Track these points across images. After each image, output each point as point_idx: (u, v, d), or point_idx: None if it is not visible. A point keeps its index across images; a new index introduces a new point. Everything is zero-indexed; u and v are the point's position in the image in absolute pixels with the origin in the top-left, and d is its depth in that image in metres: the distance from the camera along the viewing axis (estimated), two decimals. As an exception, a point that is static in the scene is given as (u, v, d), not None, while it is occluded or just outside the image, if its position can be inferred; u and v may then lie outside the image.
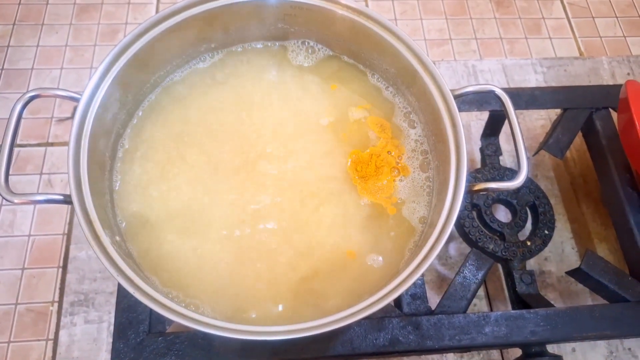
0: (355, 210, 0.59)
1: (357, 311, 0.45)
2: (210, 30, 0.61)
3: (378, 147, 0.62)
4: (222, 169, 0.60)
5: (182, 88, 0.63)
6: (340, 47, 0.67)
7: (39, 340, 0.79)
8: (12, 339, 0.79)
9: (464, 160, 0.52)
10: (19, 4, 1.03)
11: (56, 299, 0.81)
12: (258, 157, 0.60)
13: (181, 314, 0.44)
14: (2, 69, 0.98)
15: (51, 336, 0.79)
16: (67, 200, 0.48)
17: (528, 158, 0.52)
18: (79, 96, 0.52)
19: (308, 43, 0.68)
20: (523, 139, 0.53)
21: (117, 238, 0.51)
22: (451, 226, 0.48)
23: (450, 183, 0.52)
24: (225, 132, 0.62)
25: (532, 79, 1.02)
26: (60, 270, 0.83)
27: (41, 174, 0.89)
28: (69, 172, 0.48)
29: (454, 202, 0.50)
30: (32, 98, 0.51)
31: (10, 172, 0.90)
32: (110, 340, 0.74)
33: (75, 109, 0.51)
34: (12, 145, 0.50)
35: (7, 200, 0.48)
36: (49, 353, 0.78)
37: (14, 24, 1.02)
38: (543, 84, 1.02)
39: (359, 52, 0.66)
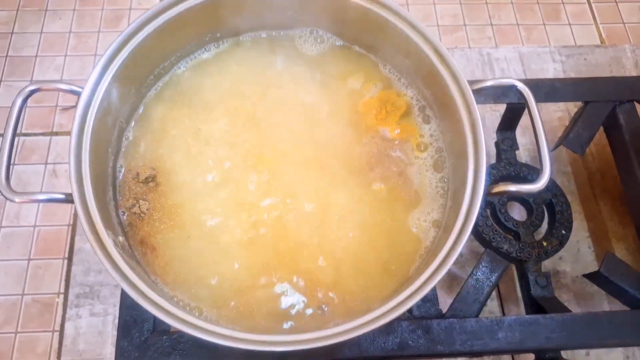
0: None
1: (367, 322, 0.43)
2: (215, 19, 0.59)
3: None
4: (233, 162, 0.57)
5: (186, 79, 0.61)
6: (350, 37, 0.64)
7: (45, 331, 0.79)
8: (19, 329, 0.79)
9: (483, 160, 0.50)
10: (22, -12, 1.01)
11: (62, 290, 0.81)
12: (266, 148, 0.58)
13: (185, 321, 0.43)
14: (7, 56, 0.96)
15: (57, 327, 0.79)
16: (68, 199, 0.47)
17: (552, 159, 0.49)
18: (80, 89, 0.50)
19: (317, 32, 0.65)
20: (547, 138, 0.51)
21: (120, 238, 0.49)
22: (468, 232, 0.46)
23: (468, 184, 0.49)
24: (233, 123, 0.59)
25: (550, 68, 0.98)
26: (66, 261, 0.83)
27: (46, 163, 0.88)
28: (71, 171, 0.47)
29: (471, 205, 0.48)
30: (32, 92, 0.49)
31: (16, 162, 0.90)
32: (116, 333, 0.74)
33: (77, 102, 0.49)
34: (13, 140, 0.48)
35: (8, 199, 0.46)
36: (55, 344, 0.78)
37: (17, 10, 0.99)
38: (561, 74, 0.97)
39: (370, 41, 0.63)
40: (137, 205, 0.54)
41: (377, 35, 0.61)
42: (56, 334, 0.78)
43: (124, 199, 0.54)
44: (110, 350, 0.76)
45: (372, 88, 0.62)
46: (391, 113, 0.60)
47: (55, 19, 0.99)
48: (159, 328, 0.59)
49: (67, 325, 0.78)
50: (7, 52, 0.95)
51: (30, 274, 0.82)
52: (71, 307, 0.79)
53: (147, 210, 0.54)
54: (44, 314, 0.80)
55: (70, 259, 0.82)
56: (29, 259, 0.82)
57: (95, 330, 0.78)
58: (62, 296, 0.80)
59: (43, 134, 0.90)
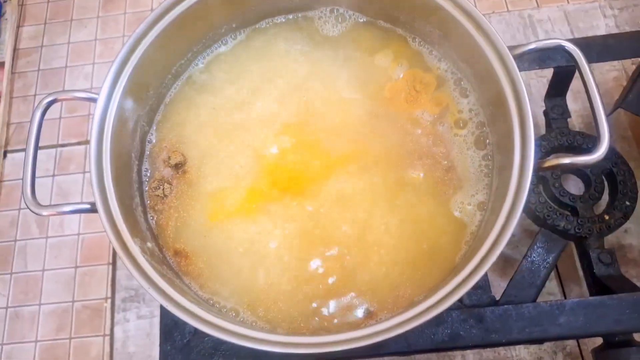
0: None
1: (412, 317, 0.40)
2: (229, 9, 0.56)
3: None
4: (262, 158, 0.55)
5: (205, 75, 0.59)
6: (373, 12, 0.59)
7: (97, 336, 0.81)
8: (72, 335, 0.81)
9: (531, 132, 0.45)
10: (48, 2, 1.02)
11: (109, 295, 0.82)
12: (300, 139, 0.55)
13: (216, 326, 0.41)
14: (39, 69, 0.98)
15: (107, 332, 0.80)
16: (94, 208, 0.46)
17: (610, 125, 0.43)
18: (96, 96, 0.49)
19: (337, 10, 0.61)
20: (603, 103, 0.45)
21: (149, 244, 0.48)
22: (519, 214, 0.41)
23: (515, 160, 0.44)
24: (258, 117, 0.57)
25: (602, 25, 0.89)
26: (110, 267, 0.84)
27: (84, 172, 0.90)
28: (92, 179, 0.46)
29: (520, 183, 0.43)
30: (50, 104, 0.48)
31: (55, 173, 0.91)
32: (163, 335, 0.74)
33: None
34: (36, 154, 0.48)
35: (35, 213, 0.46)
36: (107, 348, 0.80)
37: (45, 23, 1.01)
38: (615, 30, 0.88)
39: (396, 15, 0.58)
40: (162, 188, 0.53)
41: (402, 6, 0.56)
42: (107, 338, 0.80)
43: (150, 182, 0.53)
44: (159, 351, 0.77)
45: (397, 68, 0.57)
46: (422, 92, 0.56)
47: (81, 28, 1.00)
48: (200, 330, 0.58)
49: (116, 329, 0.79)
50: (39, 66, 0.97)
51: (78, 281, 0.83)
52: (118, 311, 0.80)
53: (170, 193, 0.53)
54: (94, 319, 0.81)
55: (114, 264, 0.84)
56: (76, 267, 0.84)
57: (144, 332, 0.79)
58: (109, 301, 0.81)
59: (79, 143, 0.92)
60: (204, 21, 0.55)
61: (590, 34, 0.88)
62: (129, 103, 0.50)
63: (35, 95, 0.95)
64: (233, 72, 0.59)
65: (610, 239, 0.74)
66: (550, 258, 0.59)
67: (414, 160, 0.54)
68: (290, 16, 0.60)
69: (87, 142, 0.91)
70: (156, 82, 0.55)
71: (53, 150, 0.91)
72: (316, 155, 0.55)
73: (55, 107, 0.89)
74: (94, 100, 0.49)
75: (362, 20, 0.60)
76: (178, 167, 0.55)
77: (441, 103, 0.56)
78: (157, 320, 0.78)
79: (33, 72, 0.97)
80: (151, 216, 0.53)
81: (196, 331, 0.58)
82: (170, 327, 0.59)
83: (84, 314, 0.82)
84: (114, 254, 0.84)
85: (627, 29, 0.88)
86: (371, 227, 0.52)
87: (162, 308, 0.60)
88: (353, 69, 0.59)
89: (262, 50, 0.60)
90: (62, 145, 0.91)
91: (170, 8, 0.50)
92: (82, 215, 0.87)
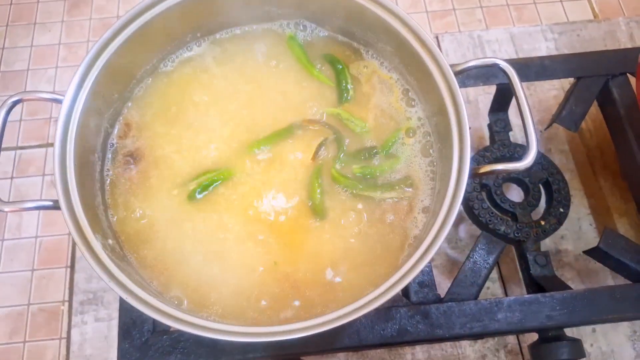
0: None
1: (360, 306, 0.43)
2: (193, 19, 0.59)
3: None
4: (220, 163, 0.57)
5: (169, 80, 0.61)
6: (332, 27, 0.63)
7: (52, 339, 0.80)
8: (27, 339, 0.80)
9: (467, 142, 0.49)
10: (11, 4, 1.02)
11: (66, 298, 0.82)
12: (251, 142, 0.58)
13: (178, 319, 0.43)
14: (-1, 71, 0.97)
15: (64, 335, 0.80)
16: (56, 205, 0.47)
17: (537, 136, 0.48)
18: (62, 97, 0.50)
19: (299, 23, 0.64)
20: (531, 115, 0.50)
21: (110, 241, 0.50)
22: (454, 215, 0.45)
23: (454, 167, 0.49)
24: (218, 122, 0.60)
25: (543, 47, 0.97)
26: (69, 269, 0.84)
27: (43, 175, 0.89)
28: (56, 177, 0.47)
29: (457, 187, 0.48)
30: (15, 103, 0.50)
31: (14, 175, 0.91)
32: (122, 337, 0.75)
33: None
34: (-2, 152, 0.48)
35: (-4, 209, 0.47)
36: (63, 351, 0.79)
37: (7, 25, 1.00)
38: (555, 52, 0.96)
39: (352, 30, 0.62)
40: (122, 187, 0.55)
41: (357, 24, 0.60)
42: (63, 341, 0.79)
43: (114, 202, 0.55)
44: (116, 354, 0.77)
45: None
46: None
47: (45, 32, 1.00)
48: (158, 328, 0.60)
49: (73, 332, 0.79)
50: (0, 68, 0.96)
51: (35, 284, 0.83)
52: (76, 314, 0.80)
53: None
54: (50, 323, 0.80)
55: (72, 267, 0.83)
56: (33, 269, 0.83)
57: (101, 335, 0.79)
58: (67, 304, 0.81)
59: (39, 146, 0.91)
60: (168, 29, 0.57)
61: (532, 55, 0.95)
62: (94, 105, 0.52)
63: (-6, 96, 0.94)
64: (195, 77, 0.61)
65: (548, 244, 0.80)
66: (491, 259, 0.63)
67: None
68: (255, 27, 0.63)
69: (47, 144, 0.90)
70: (121, 86, 0.57)
71: (12, 152, 0.90)
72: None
73: (16, 110, 0.88)
74: (59, 101, 0.50)
75: (321, 35, 0.64)
76: (138, 166, 0.56)
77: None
78: (115, 323, 0.79)
79: (-7, 73, 0.96)
80: (111, 214, 0.54)
81: (154, 329, 0.59)
82: (129, 325, 0.60)
83: (40, 317, 0.81)
84: (73, 256, 0.84)
85: (566, 51, 0.96)
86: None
87: (120, 307, 0.62)
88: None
89: (224, 57, 0.63)
90: (22, 148, 0.90)
91: (136, 16, 0.52)
92: (41, 217, 0.87)
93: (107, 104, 0.55)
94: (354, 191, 0.55)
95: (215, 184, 0.56)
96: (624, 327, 0.75)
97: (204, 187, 0.55)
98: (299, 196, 0.56)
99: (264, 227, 0.54)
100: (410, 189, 0.55)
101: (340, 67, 0.61)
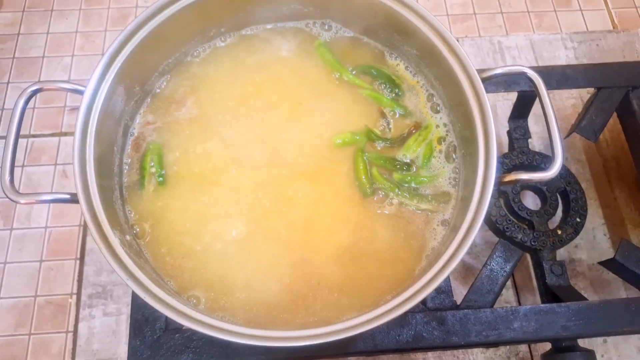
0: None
1: (377, 316, 0.42)
2: (218, 13, 0.58)
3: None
4: (243, 161, 0.56)
5: (192, 75, 0.60)
6: (358, 27, 0.63)
7: (59, 332, 0.79)
8: (32, 331, 0.79)
9: (494, 150, 0.49)
10: (27, -10, 1.01)
11: (74, 291, 0.81)
12: (277, 142, 0.58)
13: (195, 319, 0.42)
14: (14, 57, 0.96)
15: (71, 328, 0.79)
16: (74, 199, 0.46)
17: (563, 146, 0.48)
18: (83, 88, 0.49)
19: (324, 23, 0.64)
20: (558, 125, 0.49)
21: (128, 237, 0.49)
22: (480, 222, 0.45)
23: (479, 175, 0.48)
24: (240, 118, 0.59)
25: (562, 56, 0.96)
26: (78, 262, 0.83)
27: (56, 164, 0.89)
28: (75, 170, 0.46)
29: (482, 195, 0.47)
30: (34, 92, 0.49)
31: (26, 164, 0.90)
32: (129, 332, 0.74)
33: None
34: (16, 143, 0.48)
35: (13, 200, 0.46)
36: (69, 345, 0.78)
37: (23, 11, 1.00)
38: (574, 61, 0.95)
39: (378, 31, 0.61)
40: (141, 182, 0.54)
41: (383, 25, 0.59)
42: (70, 335, 0.79)
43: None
44: (124, 349, 0.76)
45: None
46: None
47: (62, 19, 0.99)
48: (171, 326, 0.59)
49: (81, 325, 0.78)
50: (14, 54, 0.96)
51: (43, 276, 0.82)
52: (84, 307, 0.79)
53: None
54: (57, 315, 0.80)
55: (82, 259, 0.83)
56: (41, 261, 0.83)
57: (109, 330, 0.78)
58: (75, 297, 0.80)
59: (52, 135, 0.91)
60: (193, 23, 0.56)
61: (552, 63, 0.94)
62: (116, 97, 0.51)
63: (8, 83, 0.93)
64: (222, 73, 0.60)
65: (562, 253, 0.80)
66: (508, 267, 0.63)
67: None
68: (280, 24, 0.62)
69: (61, 134, 0.90)
70: (143, 79, 0.56)
71: (24, 140, 0.89)
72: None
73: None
74: (79, 92, 0.49)
75: (347, 35, 0.63)
76: (158, 162, 0.56)
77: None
78: (124, 318, 0.78)
79: (7, 59, 0.95)
80: (129, 209, 0.54)
81: (167, 327, 0.59)
82: (141, 322, 0.59)
83: (47, 310, 0.80)
84: (83, 248, 0.83)
85: (585, 61, 0.95)
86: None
87: (132, 303, 0.61)
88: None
89: (247, 54, 0.62)
90: (34, 136, 0.90)
91: (161, 9, 0.52)
92: (51, 208, 0.86)
93: (128, 96, 0.54)
94: (391, 194, 0.55)
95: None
96: (635, 338, 0.75)
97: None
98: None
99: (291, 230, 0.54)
100: (446, 205, 0.54)
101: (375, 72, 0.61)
